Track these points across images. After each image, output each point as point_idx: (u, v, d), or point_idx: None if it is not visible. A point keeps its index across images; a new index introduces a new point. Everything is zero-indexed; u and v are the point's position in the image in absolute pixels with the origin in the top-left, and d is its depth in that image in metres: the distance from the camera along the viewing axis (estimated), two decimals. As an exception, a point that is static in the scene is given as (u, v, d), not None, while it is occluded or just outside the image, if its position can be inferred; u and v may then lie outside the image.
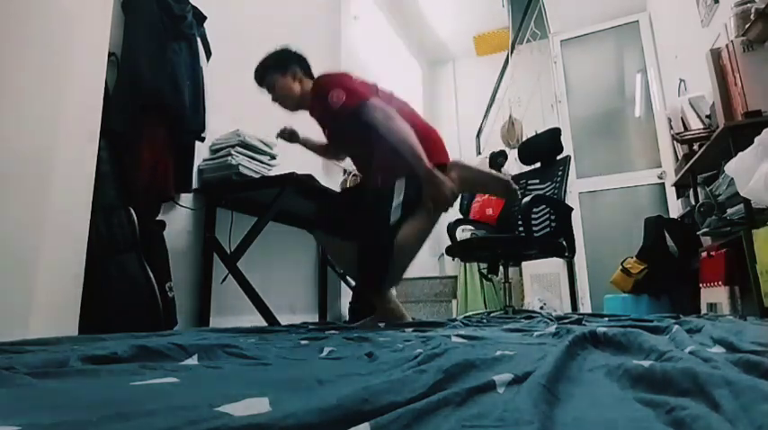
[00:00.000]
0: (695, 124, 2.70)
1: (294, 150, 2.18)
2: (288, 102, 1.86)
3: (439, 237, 4.99)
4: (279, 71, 1.84)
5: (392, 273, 1.65)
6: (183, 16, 2.01)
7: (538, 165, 2.91)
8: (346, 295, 3.08)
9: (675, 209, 3.45)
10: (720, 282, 2.22)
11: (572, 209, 2.60)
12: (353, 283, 2.96)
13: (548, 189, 2.73)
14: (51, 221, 1.32)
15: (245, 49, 2.58)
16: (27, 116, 1.40)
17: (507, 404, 0.36)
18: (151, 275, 1.63)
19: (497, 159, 4.02)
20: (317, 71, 1.88)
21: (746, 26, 2.08)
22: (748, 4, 2.12)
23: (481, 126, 4.85)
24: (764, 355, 0.53)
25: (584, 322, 1.46)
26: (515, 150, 3.49)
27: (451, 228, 2.79)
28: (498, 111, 4.73)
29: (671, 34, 3.70)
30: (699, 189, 2.64)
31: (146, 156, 1.77)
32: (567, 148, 3.67)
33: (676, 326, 0.91)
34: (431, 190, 1.59)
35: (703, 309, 2.42)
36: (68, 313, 1.33)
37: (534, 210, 2.65)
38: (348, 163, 3.20)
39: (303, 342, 1.03)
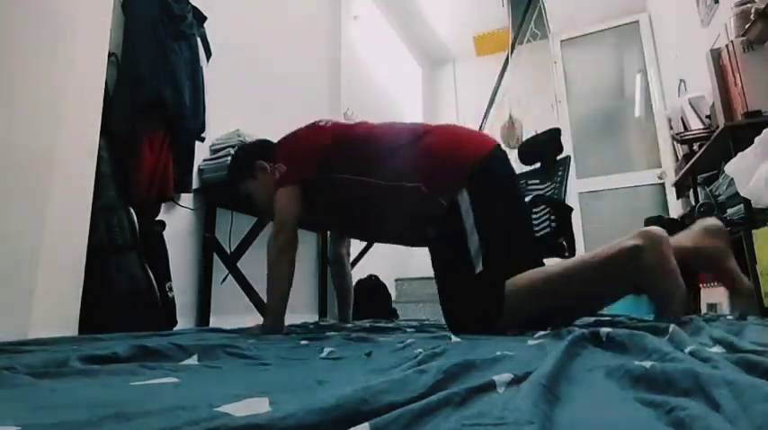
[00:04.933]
0: (695, 124, 2.70)
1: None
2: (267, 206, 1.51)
3: (439, 238, 4.99)
4: (248, 177, 1.57)
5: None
6: (183, 16, 2.01)
7: (538, 165, 2.91)
8: (346, 295, 3.07)
9: (675, 209, 3.45)
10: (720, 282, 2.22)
11: (572, 209, 2.60)
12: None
13: (548, 189, 2.73)
14: (51, 221, 1.32)
15: (245, 49, 2.59)
16: (27, 116, 1.40)
17: (507, 404, 0.36)
18: (151, 275, 1.63)
19: (497, 159, 4.01)
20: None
21: (746, 26, 2.07)
22: (748, 4, 2.12)
23: (481, 126, 4.83)
24: (764, 355, 0.53)
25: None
26: (515, 150, 3.48)
27: (451, 229, 2.79)
28: (498, 111, 4.73)
29: (671, 34, 3.70)
30: (699, 189, 2.64)
31: (146, 156, 1.76)
32: (567, 148, 3.66)
33: (676, 327, 0.91)
34: None
35: (703, 309, 2.42)
36: (68, 313, 1.33)
37: (534, 210, 2.65)
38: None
39: (303, 342, 1.03)
